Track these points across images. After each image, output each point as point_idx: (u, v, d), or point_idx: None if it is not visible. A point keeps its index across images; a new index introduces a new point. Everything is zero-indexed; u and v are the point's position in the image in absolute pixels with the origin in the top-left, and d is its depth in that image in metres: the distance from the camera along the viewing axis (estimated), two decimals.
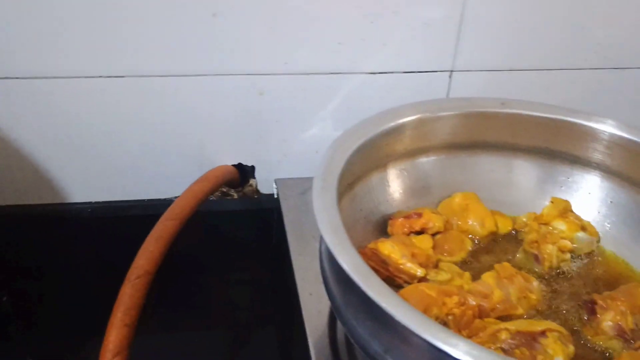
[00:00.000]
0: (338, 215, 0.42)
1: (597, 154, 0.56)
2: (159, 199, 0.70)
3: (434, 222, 0.54)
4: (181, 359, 0.67)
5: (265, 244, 0.74)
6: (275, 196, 0.69)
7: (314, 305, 0.53)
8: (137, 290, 0.49)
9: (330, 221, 0.41)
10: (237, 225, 0.74)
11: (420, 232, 0.55)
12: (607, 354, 0.45)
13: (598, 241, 0.55)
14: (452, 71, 0.68)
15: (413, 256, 0.50)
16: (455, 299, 0.45)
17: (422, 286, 0.46)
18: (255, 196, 0.73)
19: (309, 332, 0.51)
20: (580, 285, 0.52)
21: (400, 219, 0.54)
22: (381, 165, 0.55)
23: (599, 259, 0.55)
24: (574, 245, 0.54)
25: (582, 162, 0.57)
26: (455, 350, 0.33)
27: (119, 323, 0.46)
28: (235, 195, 0.73)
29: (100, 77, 0.61)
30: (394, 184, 0.57)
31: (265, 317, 0.77)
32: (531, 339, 0.42)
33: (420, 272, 0.49)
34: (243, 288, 0.78)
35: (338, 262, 0.38)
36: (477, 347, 0.33)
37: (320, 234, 0.41)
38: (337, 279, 0.42)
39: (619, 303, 0.47)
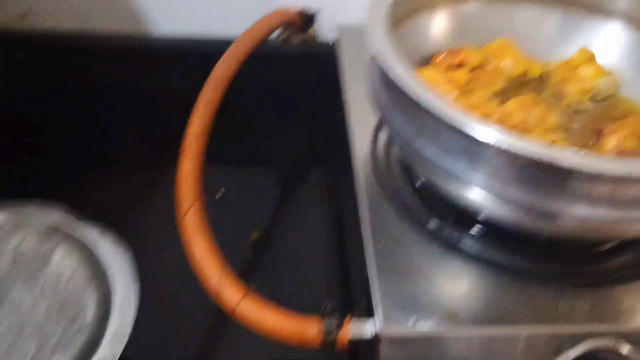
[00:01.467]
0: (389, 26, 0.50)
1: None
2: (219, 39, 0.76)
3: (472, 57, 0.61)
4: (237, 190, 0.77)
5: (321, 89, 0.82)
6: (334, 42, 0.76)
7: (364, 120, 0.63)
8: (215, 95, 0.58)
9: (379, 25, 0.49)
10: (294, 71, 0.81)
11: (459, 67, 0.62)
12: None
13: (618, 87, 0.62)
14: None
15: (450, 82, 0.58)
16: (480, 112, 0.53)
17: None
18: (315, 42, 0.80)
19: (354, 146, 0.61)
20: (595, 120, 0.59)
21: (442, 55, 0.62)
22: (429, 5, 0.62)
23: (617, 102, 0.61)
24: (596, 88, 0.61)
25: (612, 15, 0.63)
26: (470, 126, 0.42)
27: (200, 113, 0.55)
28: (295, 42, 0.80)
29: None
30: (439, 26, 0.64)
31: (319, 157, 0.85)
32: None
33: (455, 94, 0.57)
34: (296, 130, 0.86)
35: (383, 62, 0.46)
36: (489, 125, 0.41)
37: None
38: (382, 79, 0.51)
39: (623, 129, 0.54)
